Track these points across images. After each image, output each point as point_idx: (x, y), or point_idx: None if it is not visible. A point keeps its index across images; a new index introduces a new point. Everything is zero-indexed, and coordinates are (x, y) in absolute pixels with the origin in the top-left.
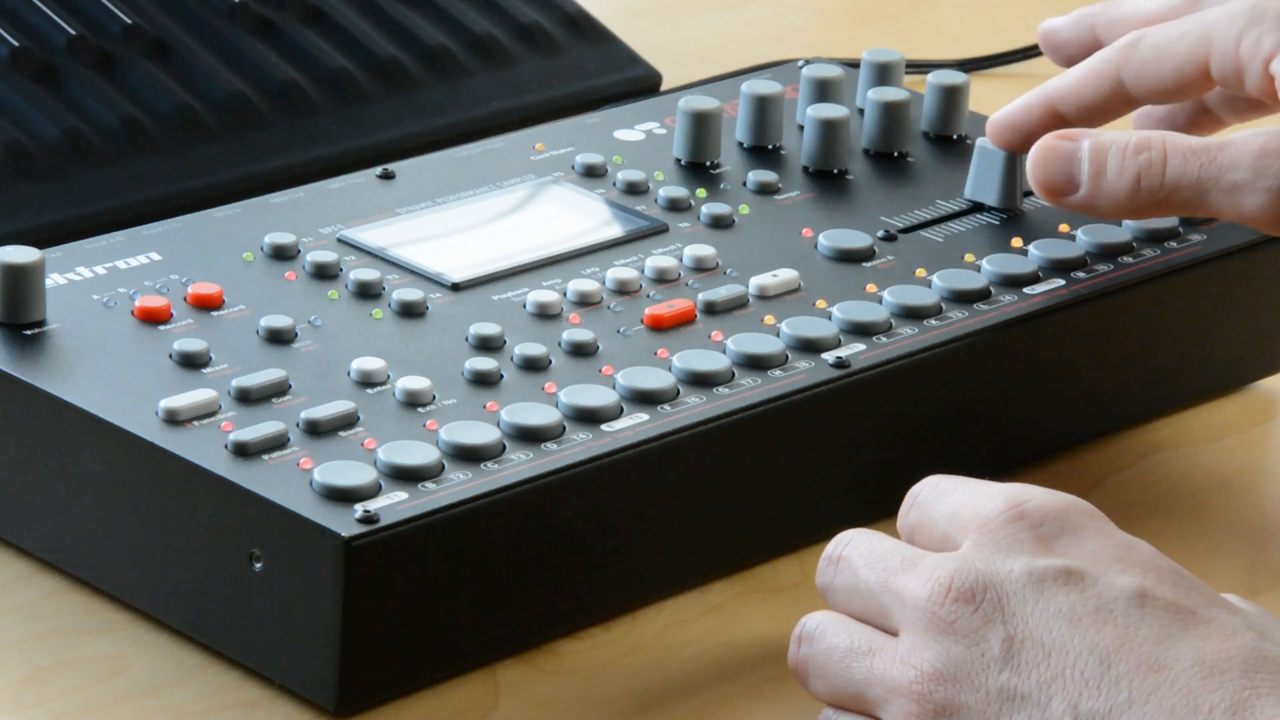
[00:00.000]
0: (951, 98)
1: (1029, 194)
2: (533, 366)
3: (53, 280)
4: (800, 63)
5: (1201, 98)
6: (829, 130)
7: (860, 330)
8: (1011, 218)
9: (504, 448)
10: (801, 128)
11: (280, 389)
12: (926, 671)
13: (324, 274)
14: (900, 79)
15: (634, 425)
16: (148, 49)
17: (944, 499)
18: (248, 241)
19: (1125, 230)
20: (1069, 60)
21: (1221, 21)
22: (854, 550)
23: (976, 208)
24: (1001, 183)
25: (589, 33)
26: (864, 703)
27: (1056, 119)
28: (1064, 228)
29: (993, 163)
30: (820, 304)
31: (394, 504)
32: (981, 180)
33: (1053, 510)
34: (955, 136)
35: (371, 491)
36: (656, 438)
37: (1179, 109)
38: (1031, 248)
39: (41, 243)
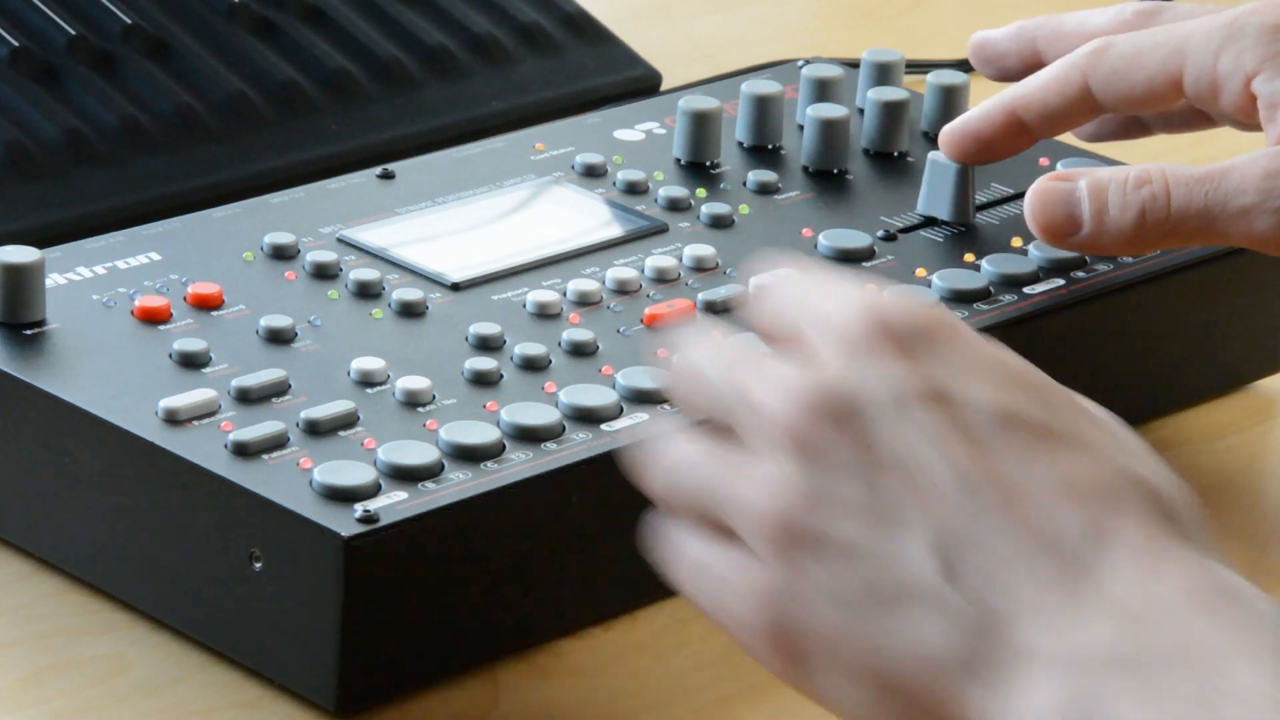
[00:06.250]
0: (951, 98)
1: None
2: (533, 366)
3: (53, 280)
4: (800, 63)
5: None
6: (829, 130)
7: None
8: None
9: (504, 447)
10: (801, 128)
11: (280, 389)
12: (783, 493)
13: (324, 274)
14: (900, 79)
15: (634, 425)
16: (148, 49)
17: (793, 289)
18: (248, 241)
19: None
20: (1004, 74)
21: (1197, 36)
22: (701, 355)
23: (929, 222)
24: (954, 196)
25: (589, 33)
26: (718, 518)
27: (1018, 126)
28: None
29: (945, 176)
30: None
31: (394, 504)
32: (934, 194)
33: (914, 322)
34: None
35: (371, 491)
36: None
37: (1109, 115)
38: (1031, 248)
39: (41, 243)
